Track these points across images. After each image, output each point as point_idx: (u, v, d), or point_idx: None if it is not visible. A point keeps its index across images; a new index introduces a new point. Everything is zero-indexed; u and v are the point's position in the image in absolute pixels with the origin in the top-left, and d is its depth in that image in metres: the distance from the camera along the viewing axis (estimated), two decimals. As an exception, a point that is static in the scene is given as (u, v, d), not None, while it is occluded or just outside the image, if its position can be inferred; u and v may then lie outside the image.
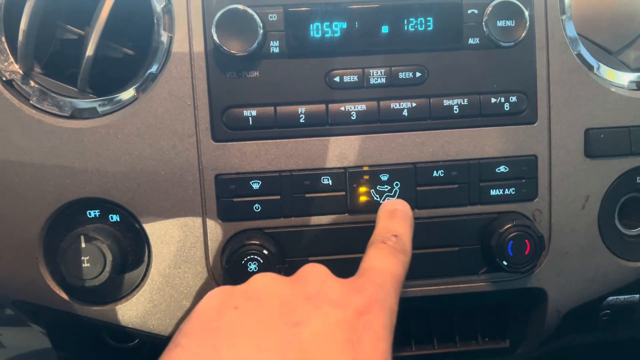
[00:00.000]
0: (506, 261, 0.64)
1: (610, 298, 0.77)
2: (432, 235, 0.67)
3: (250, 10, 0.60)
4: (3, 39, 0.63)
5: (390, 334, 0.43)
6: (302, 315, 0.41)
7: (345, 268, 0.65)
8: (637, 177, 0.70)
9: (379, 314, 0.43)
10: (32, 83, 0.64)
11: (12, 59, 0.63)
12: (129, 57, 0.67)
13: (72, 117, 0.64)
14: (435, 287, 0.68)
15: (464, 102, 0.65)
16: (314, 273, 0.47)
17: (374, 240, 0.53)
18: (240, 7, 0.60)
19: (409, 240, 0.54)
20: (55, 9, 0.66)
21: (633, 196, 0.72)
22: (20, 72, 0.63)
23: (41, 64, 0.66)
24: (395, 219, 0.56)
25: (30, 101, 0.63)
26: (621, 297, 0.78)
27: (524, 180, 0.67)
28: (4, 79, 0.63)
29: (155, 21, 0.64)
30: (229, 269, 0.62)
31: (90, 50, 0.61)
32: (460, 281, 0.68)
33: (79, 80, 0.63)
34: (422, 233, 0.66)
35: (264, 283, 0.45)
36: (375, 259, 0.50)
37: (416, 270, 0.66)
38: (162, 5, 0.63)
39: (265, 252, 0.62)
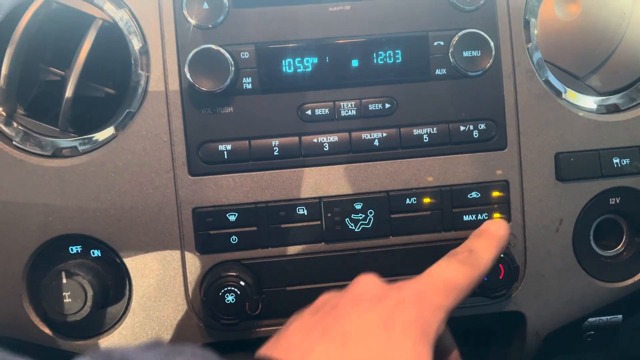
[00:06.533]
0: (481, 286, 0.64)
1: (592, 319, 0.77)
2: (407, 262, 0.68)
3: (222, 50, 0.62)
4: (-13, 83, 0.66)
5: (426, 326, 0.46)
6: (345, 310, 0.47)
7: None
8: (610, 199, 0.71)
9: (414, 305, 0.46)
10: (15, 124, 0.66)
11: (-5, 102, 0.66)
12: (111, 96, 0.70)
13: (53, 156, 0.66)
14: (413, 313, 0.69)
15: (433, 130, 0.67)
16: (363, 279, 0.52)
17: (448, 253, 0.55)
18: (213, 46, 0.63)
19: (487, 256, 0.55)
20: (38, 52, 0.68)
21: (608, 218, 0.73)
22: (4, 114, 0.66)
23: (24, 106, 0.68)
24: (478, 238, 0.58)
25: (14, 142, 0.66)
26: (604, 318, 0.79)
27: (496, 205, 0.68)
28: (-13, 121, 0.65)
29: (132, 62, 0.66)
30: (207, 301, 0.63)
31: (69, 92, 0.64)
32: (438, 307, 0.69)
33: (59, 120, 0.66)
34: (397, 260, 0.67)
35: (326, 297, 0.52)
36: (436, 265, 0.52)
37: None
38: (139, 47, 0.66)
39: (242, 283, 0.63)
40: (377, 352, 0.43)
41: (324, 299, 0.52)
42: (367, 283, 0.51)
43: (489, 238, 0.58)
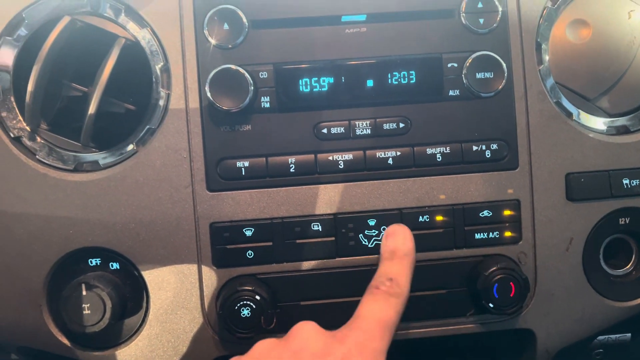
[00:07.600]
0: (492, 303, 0.66)
1: (602, 337, 0.78)
2: (420, 279, 0.68)
3: (241, 70, 0.64)
4: (12, 98, 0.68)
5: None
6: None
7: (337, 311, 0.68)
8: (620, 219, 0.72)
9: (359, 358, 0.46)
10: (38, 139, 0.68)
11: (20, 117, 0.67)
12: (131, 112, 0.71)
13: (75, 170, 0.67)
14: (425, 330, 0.70)
15: (446, 150, 0.68)
16: (302, 330, 0.51)
17: (370, 286, 0.56)
18: (233, 66, 0.64)
19: (406, 280, 0.57)
20: (62, 68, 0.70)
21: (618, 237, 0.74)
22: (28, 129, 0.68)
23: (47, 121, 0.70)
24: (393, 260, 0.59)
25: (37, 156, 0.67)
26: (613, 336, 0.79)
27: (507, 224, 0.69)
28: (12, 135, 0.67)
29: (154, 80, 0.68)
30: (223, 314, 0.64)
31: (92, 108, 0.65)
32: (449, 323, 0.70)
33: (82, 136, 0.67)
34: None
35: (262, 347, 0.52)
36: (365, 306, 0.54)
37: (406, 313, 0.68)
38: (160, 65, 0.67)
39: (257, 297, 0.64)
40: None
41: (261, 349, 0.51)
42: (307, 335, 0.50)
43: (401, 259, 0.59)
